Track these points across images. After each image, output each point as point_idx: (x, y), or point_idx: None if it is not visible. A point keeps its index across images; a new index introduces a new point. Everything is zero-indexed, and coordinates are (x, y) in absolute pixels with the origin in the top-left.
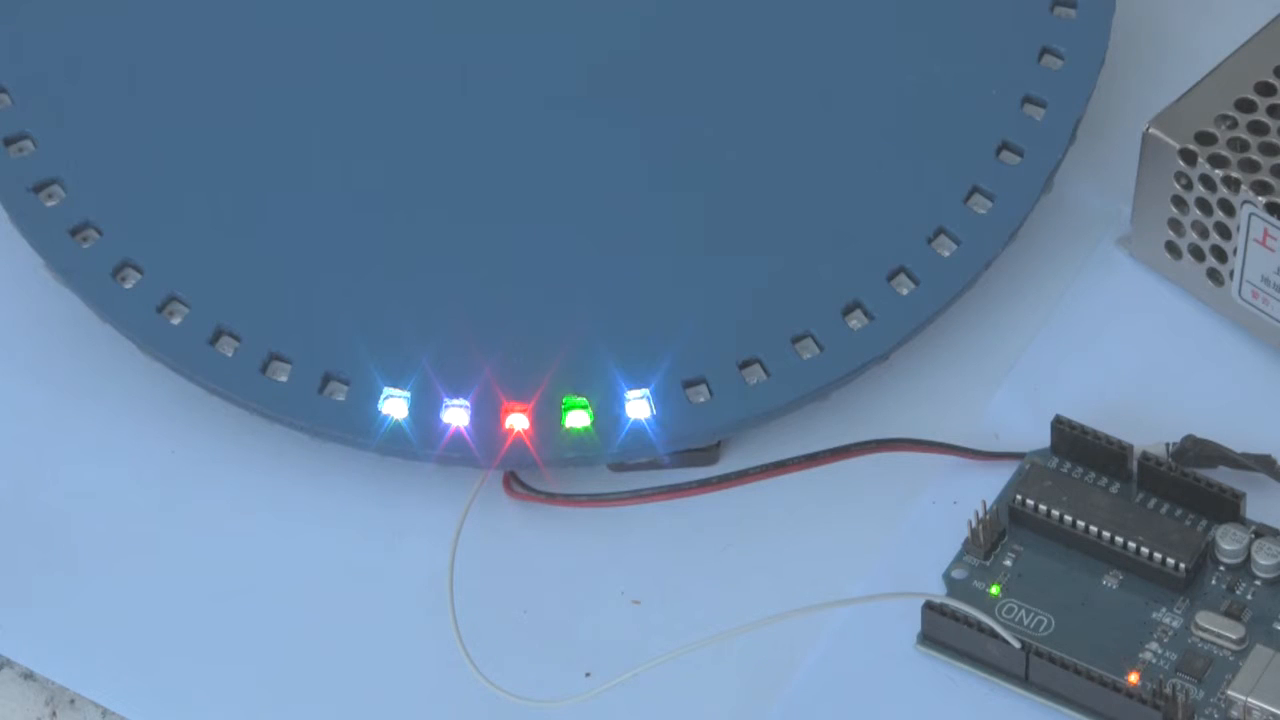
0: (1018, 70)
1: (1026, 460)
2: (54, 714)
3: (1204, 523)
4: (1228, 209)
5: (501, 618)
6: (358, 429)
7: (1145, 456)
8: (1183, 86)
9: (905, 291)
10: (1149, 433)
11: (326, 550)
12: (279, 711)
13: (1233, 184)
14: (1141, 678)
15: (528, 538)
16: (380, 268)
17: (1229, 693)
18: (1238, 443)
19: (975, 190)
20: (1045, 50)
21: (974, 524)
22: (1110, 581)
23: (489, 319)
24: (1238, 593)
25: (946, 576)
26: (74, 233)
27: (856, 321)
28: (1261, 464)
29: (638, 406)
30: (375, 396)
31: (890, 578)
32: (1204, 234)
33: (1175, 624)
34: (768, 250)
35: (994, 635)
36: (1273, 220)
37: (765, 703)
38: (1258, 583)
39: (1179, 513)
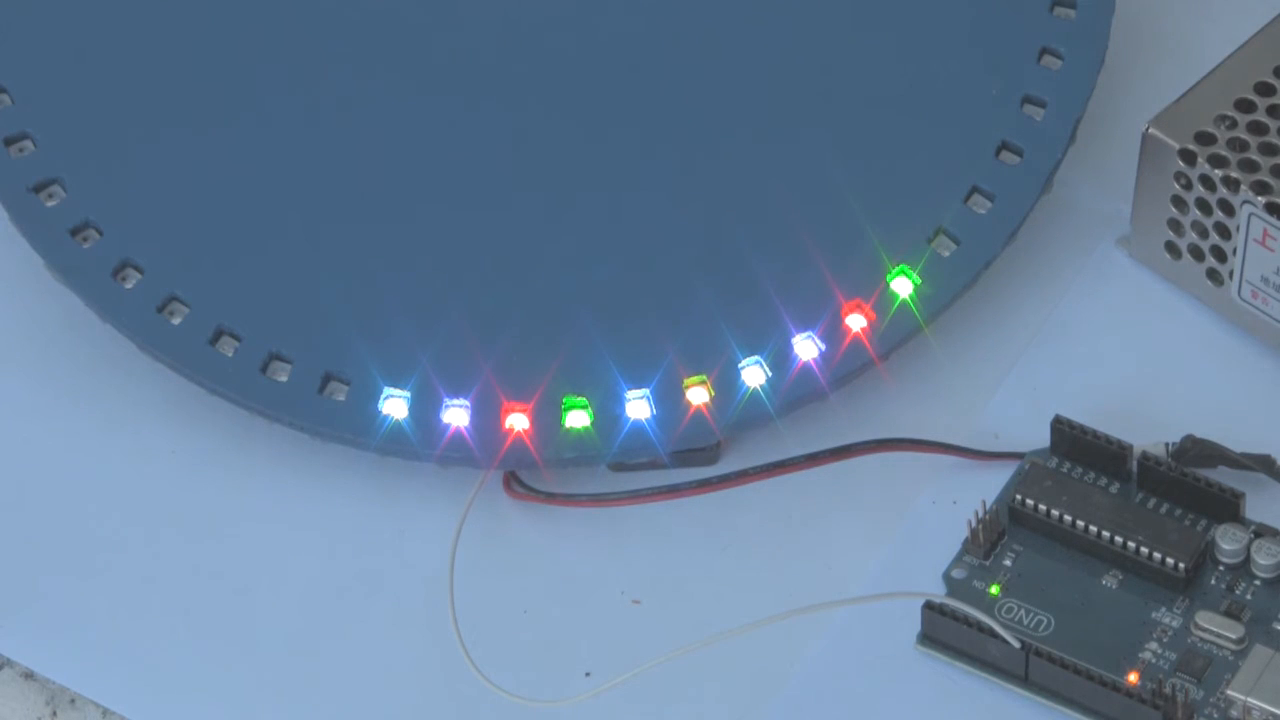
0: (1018, 70)
1: (1026, 460)
2: (54, 714)
3: (1204, 522)
4: (1227, 209)
5: (501, 618)
6: (358, 429)
7: (1145, 456)
8: (1183, 86)
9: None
10: (1149, 433)
11: (327, 550)
12: (279, 711)
13: (1232, 184)
14: (1141, 677)
15: (528, 538)
16: (380, 267)
17: (1228, 692)
18: (1238, 443)
19: (975, 190)
20: (1045, 50)
21: (974, 524)
22: (1110, 581)
23: (489, 319)
24: (1237, 593)
25: (946, 576)
26: (74, 233)
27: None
28: (1261, 464)
29: (638, 406)
30: (375, 396)
31: (890, 578)
32: (1204, 234)
33: (1175, 624)
34: (768, 250)
35: (994, 635)
36: (1273, 220)
37: (765, 703)
38: (1257, 583)
39: (1179, 512)
